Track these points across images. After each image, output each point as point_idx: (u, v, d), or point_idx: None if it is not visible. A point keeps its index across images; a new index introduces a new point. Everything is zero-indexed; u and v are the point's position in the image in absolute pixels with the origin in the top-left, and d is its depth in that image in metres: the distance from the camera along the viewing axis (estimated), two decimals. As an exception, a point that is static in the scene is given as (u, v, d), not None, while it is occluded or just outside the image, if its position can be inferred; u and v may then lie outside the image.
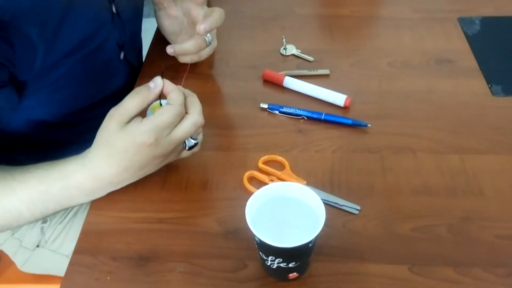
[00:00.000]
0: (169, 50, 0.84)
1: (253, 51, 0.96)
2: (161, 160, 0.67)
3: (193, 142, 0.69)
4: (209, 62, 0.92)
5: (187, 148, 0.69)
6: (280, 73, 0.88)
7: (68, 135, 0.87)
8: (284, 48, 0.95)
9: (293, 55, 0.94)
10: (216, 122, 0.81)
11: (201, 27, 0.80)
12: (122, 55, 0.89)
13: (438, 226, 0.64)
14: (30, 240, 0.92)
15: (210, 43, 0.86)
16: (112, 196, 0.69)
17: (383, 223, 0.65)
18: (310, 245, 0.55)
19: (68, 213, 0.93)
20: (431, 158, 0.73)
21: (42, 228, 0.92)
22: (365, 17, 1.03)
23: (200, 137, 0.71)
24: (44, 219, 0.92)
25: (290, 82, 0.86)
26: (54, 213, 0.69)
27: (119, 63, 0.90)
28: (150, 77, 0.66)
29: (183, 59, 0.86)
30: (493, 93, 0.83)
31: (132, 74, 0.94)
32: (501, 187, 0.68)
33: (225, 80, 0.90)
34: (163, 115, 0.63)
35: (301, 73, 0.89)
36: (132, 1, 0.91)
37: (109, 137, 0.63)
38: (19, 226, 0.87)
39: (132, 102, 0.64)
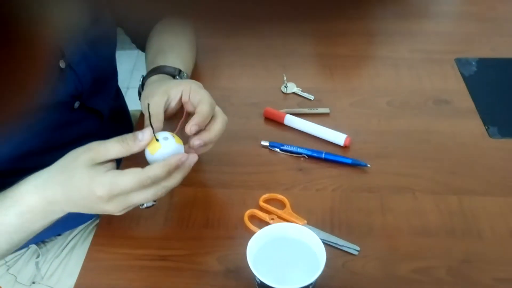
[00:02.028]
0: (196, 142, 0.67)
1: (255, 89, 0.98)
2: (110, 210, 0.62)
3: (150, 203, 0.66)
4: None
5: (143, 207, 0.66)
6: (281, 111, 0.90)
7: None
8: (285, 86, 0.97)
9: (294, 93, 0.96)
10: (217, 159, 0.82)
11: (194, 128, 0.67)
12: (77, 105, 0.82)
13: (438, 268, 0.65)
14: (25, 276, 0.90)
15: None
16: (114, 232, 0.70)
17: (383, 264, 0.66)
18: (310, 287, 0.56)
19: (65, 247, 0.92)
20: (430, 198, 0.74)
21: (36, 263, 0.91)
22: (365, 57, 1.06)
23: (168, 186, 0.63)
24: (37, 254, 0.91)
25: (291, 120, 0.88)
26: (25, 241, 0.67)
27: (75, 113, 0.82)
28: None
29: (204, 150, 0.72)
30: (490, 135, 0.84)
31: (101, 119, 0.89)
32: (499, 229, 0.69)
33: (227, 117, 0.91)
34: (125, 176, 0.60)
35: (302, 111, 0.91)
36: (94, 50, 0.83)
37: (72, 167, 0.61)
38: None
39: (115, 147, 0.61)
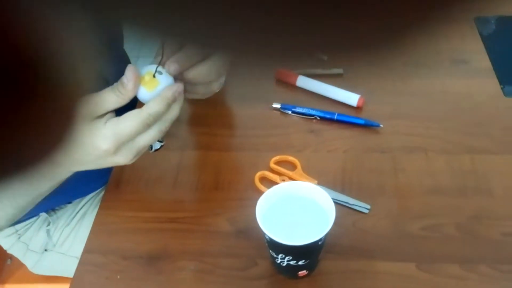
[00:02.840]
0: (172, 67, 0.62)
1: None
2: (120, 161, 0.61)
3: (158, 145, 0.65)
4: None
5: (152, 150, 0.65)
6: (293, 71, 0.89)
7: None
8: (298, 48, 0.95)
9: (307, 54, 0.95)
10: (227, 122, 0.82)
11: (173, 68, 0.62)
12: None
13: (447, 225, 0.64)
14: (36, 244, 0.92)
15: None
16: (122, 196, 0.71)
17: (393, 222, 0.65)
18: (319, 243, 0.56)
19: (75, 215, 0.93)
20: (443, 158, 0.73)
21: (48, 231, 0.92)
22: (380, 17, 1.03)
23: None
24: (47, 222, 0.92)
25: (303, 82, 0.87)
26: (33, 205, 0.66)
27: None
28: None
29: (192, 95, 0.69)
30: (505, 94, 0.82)
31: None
32: (510, 187, 0.68)
33: (237, 80, 0.90)
34: (126, 122, 0.58)
35: (314, 72, 0.89)
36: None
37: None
38: None
39: (111, 97, 0.59)
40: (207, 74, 0.65)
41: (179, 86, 0.61)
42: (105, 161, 0.60)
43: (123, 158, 0.60)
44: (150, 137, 0.60)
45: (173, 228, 0.67)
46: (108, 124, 0.58)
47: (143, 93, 0.60)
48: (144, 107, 0.59)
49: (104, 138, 0.58)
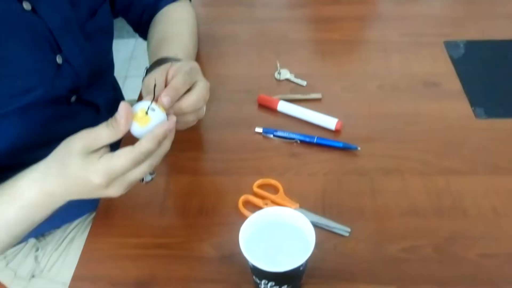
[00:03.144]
0: (164, 99, 0.65)
1: (248, 76, 0.99)
2: (111, 193, 0.63)
3: (150, 177, 0.68)
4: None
5: (143, 182, 0.67)
6: (274, 97, 0.92)
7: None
8: (278, 73, 0.98)
9: (287, 79, 0.98)
10: (212, 147, 0.84)
11: (166, 100, 0.65)
12: (73, 98, 0.84)
13: (425, 246, 0.67)
14: (24, 270, 0.92)
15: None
16: (111, 222, 0.73)
17: (373, 245, 0.68)
18: (301, 268, 0.58)
19: (64, 240, 0.94)
20: (418, 179, 0.76)
21: (36, 257, 0.93)
22: (355, 41, 1.07)
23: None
24: (36, 248, 0.93)
25: (284, 107, 0.90)
26: (27, 232, 0.68)
27: (72, 106, 0.84)
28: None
29: (183, 126, 0.73)
30: (476, 116, 0.86)
31: (98, 112, 0.91)
32: (484, 207, 0.72)
33: (220, 105, 0.93)
34: (119, 159, 0.60)
35: (295, 97, 0.92)
36: (91, 43, 0.84)
37: (68, 158, 0.61)
38: None
39: (105, 132, 0.60)
40: (196, 101, 0.69)
41: (170, 124, 0.63)
42: (98, 193, 0.62)
43: (114, 191, 0.62)
44: (141, 172, 0.62)
45: (160, 254, 0.69)
46: (101, 159, 0.60)
47: (136, 129, 0.62)
48: (136, 145, 0.60)
49: (97, 173, 0.59)
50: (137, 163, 0.61)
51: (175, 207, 0.75)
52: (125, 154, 0.60)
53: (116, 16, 0.99)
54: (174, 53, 0.84)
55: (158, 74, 0.70)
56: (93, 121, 0.87)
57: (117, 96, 1.08)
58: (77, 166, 0.60)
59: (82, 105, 0.86)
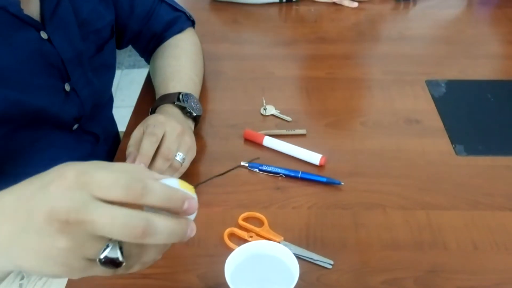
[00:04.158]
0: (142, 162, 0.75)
1: (235, 111, 1.02)
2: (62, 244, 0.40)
3: (117, 256, 0.41)
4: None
5: (101, 257, 0.40)
6: (260, 132, 0.94)
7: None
8: (264, 109, 1.01)
9: (272, 115, 1.00)
10: (198, 180, 0.85)
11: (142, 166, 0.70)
12: (75, 127, 0.90)
13: (406, 278, 0.69)
14: None
15: (183, 161, 0.80)
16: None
17: (355, 277, 0.69)
18: (284, 300, 0.59)
19: None
20: (400, 214, 0.78)
21: (20, 286, 0.92)
22: (339, 79, 1.10)
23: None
24: (21, 276, 0.92)
25: (269, 142, 0.92)
26: None
27: (73, 134, 0.90)
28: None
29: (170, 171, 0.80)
30: (456, 153, 0.89)
31: (97, 142, 0.97)
32: (463, 241, 0.73)
33: (207, 139, 0.95)
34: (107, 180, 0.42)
35: (280, 133, 0.95)
36: (97, 76, 0.92)
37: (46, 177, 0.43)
38: None
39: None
40: (165, 153, 0.77)
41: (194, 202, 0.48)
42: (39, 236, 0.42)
43: (65, 243, 0.40)
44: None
45: (147, 284, 0.69)
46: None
47: None
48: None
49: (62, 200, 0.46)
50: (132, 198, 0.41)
51: (161, 238, 0.75)
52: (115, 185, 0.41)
53: (123, 47, 1.07)
54: (176, 90, 0.92)
55: (132, 141, 0.79)
56: (92, 150, 0.93)
57: (115, 129, 1.14)
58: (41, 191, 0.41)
59: (83, 134, 0.92)
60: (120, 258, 0.40)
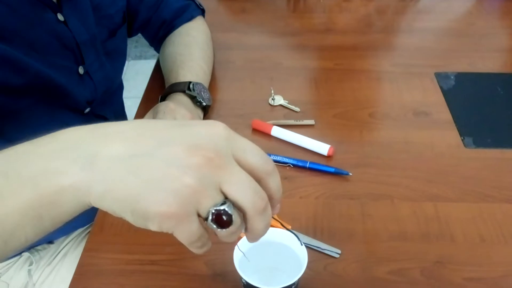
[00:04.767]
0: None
1: (243, 101, 1.02)
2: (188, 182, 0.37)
3: (231, 213, 0.39)
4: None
5: (218, 208, 0.39)
6: (268, 122, 0.94)
7: None
8: (272, 99, 1.01)
9: (280, 105, 1.00)
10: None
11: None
12: (87, 110, 0.91)
13: (413, 269, 0.69)
14: (17, 283, 0.93)
15: None
16: (106, 238, 0.74)
17: (362, 266, 0.69)
18: (293, 286, 0.60)
19: (57, 255, 0.95)
20: (408, 205, 0.78)
21: (29, 271, 0.93)
22: (348, 70, 1.10)
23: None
24: (29, 262, 0.94)
25: (278, 132, 0.92)
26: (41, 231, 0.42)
27: (84, 117, 0.91)
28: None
29: None
30: (465, 145, 0.89)
31: None
32: (470, 233, 0.74)
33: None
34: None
35: (288, 123, 0.95)
36: (109, 60, 0.94)
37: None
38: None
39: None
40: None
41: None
42: (169, 153, 0.39)
43: (193, 180, 0.38)
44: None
45: (154, 270, 0.70)
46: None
47: None
48: None
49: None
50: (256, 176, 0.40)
51: (169, 225, 0.76)
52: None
53: (133, 34, 1.08)
54: (186, 78, 0.92)
55: None
56: None
57: (124, 114, 1.16)
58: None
59: (94, 118, 0.94)
60: (233, 217, 0.39)
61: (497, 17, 1.32)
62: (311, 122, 0.95)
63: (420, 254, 0.71)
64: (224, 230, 0.40)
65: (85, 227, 1.00)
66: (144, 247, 0.73)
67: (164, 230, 0.38)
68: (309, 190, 0.81)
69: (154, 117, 0.81)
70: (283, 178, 0.84)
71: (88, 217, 0.78)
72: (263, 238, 0.63)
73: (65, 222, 0.41)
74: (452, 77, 1.06)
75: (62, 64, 0.83)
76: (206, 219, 0.39)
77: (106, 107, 0.97)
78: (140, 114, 0.95)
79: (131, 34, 1.06)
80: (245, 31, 1.25)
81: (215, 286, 0.68)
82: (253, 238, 0.43)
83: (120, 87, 1.09)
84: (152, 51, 1.18)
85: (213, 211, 0.38)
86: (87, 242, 0.74)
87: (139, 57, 2.71)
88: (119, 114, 1.09)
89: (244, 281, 0.59)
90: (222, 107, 1.00)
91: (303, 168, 0.85)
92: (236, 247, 0.62)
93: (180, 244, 0.72)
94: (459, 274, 0.68)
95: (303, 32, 1.24)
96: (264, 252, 0.64)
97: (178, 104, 0.85)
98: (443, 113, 0.96)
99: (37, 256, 0.95)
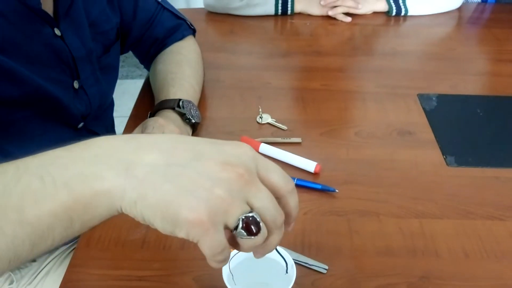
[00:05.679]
0: None
1: (232, 119, 1.03)
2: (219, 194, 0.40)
3: (259, 221, 0.41)
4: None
5: (247, 215, 0.41)
6: (256, 139, 0.95)
7: None
8: (260, 117, 1.02)
9: (268, 123, 1.02)
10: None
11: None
12: (80, 125, 0.92)
13: (399, 284, 0.70)
14: None
15: None
16: (92, 253, 0.73)
17: (349, 282, 0.70)
18: (281, 302, 0.60)
19: (38, 273, 0.94)
20: (394, 221, 0.80)
21: None
22: (335, 91, 1.12)
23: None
24: (10, 281, 0.92)
25: (265, 149, 0.93)
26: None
27: (77, 132, 0.92)
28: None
29: None
30: (447, 164, 0.91)
31: None
32: (454, 249, 0.75)
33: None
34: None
35: (276, 141, 0.96)
36: (103, 76, 0.95)
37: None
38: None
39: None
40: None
41: None
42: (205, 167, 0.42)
43: (222, 192, 0.41)
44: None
45: (142, 286, 0.69)
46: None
47: None
48: None
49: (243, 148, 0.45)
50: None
51: (157, 241, 0.76)
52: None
53: (124, 51, 1.09)
54: (176, 96, 0.93)
55: None
56: None
57: (114, 131, 1.17)
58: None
59: (86, 133, 0.94)
60: (261, 224, 0.42)
61: (475, 43, 1.36)
62: (298, 140, 0.97)
63: (406, 270, 0.72)
64: (252, 238, 0.42)
65: (68, 245, 0.98)
66: (131, 262, 0.73)
67: (191, 238, 0.40)
68: (296, 207, 0.82)
69: (143, 132, 0.82)
70: (271, 195, 0.84)
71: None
72: (251, 254, 0.64)
73: (92, 227, 0.42)
74: (434, 99, 1.09)
75: (58, 78, 0.84)
76: (236, 228, 0.41)
77: (98, 122, 0.98)
78: (128, 131, 0.96)
79: (123, 50, 1.07)
80: (234, 51, 1.27)
81: (203, 301, 0.68)
82: (263, 252, 0.46)
83: (112, 103, 1.10)
84: (138, 71, 1.20)
85: (243, 217, 0.41)
86: (72, 257, 0.73)
87: (126, 77, 2.72)
88: (110, 130, 1.10)
89: (233, 295, 0.60)
90: (211, 124, 1.01)
91: (291, 185, 0.86)
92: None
93: (168, 260, 0.73)
94: (444, 288, 0.69)
95: (291, 54, 1.27)
96: (254, 267, 0.65)
97: (167, 120, 0.86)
98: (426, 133, 0.99)
99: (18, 274, 0.93)
